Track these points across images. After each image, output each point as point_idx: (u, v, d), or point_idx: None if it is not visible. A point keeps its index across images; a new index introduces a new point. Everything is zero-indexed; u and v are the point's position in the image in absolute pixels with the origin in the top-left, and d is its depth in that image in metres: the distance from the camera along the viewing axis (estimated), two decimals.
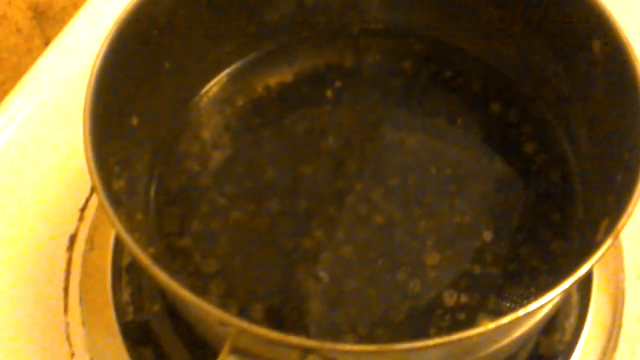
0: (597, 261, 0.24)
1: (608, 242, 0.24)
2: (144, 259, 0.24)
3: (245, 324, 0.23)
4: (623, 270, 0.36)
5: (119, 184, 0.30)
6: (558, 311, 0.35)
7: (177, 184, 0.36)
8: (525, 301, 0.30)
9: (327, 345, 0.23)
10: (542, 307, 0.23)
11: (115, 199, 0.27)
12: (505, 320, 0.22)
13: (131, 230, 0.26)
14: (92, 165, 0.26)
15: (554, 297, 0.23)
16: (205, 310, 0.23)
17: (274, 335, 0.23)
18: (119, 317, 0.36)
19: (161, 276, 0.24)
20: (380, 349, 0.22)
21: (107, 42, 0.30)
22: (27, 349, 0.36)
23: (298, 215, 0.35)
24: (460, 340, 0.22)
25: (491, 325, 0.22)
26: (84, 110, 0.27)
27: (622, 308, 0.35)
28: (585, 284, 0.36)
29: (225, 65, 0.39)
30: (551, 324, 0.35)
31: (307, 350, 0.23)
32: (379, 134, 0.38)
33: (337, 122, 0.38)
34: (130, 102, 0.33)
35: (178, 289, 0.24)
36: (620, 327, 0.35)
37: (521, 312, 0.23)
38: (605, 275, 0.36)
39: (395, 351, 0.22)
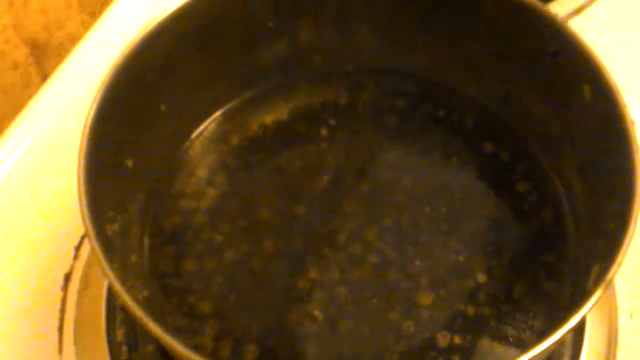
0: (589, 311, 0.24)
1: (598, 292, 0.24)
2: (137, 310, 0.24)
3: None
4: (616, 309, 0.36)
5: (113, 229, 0.30)
6: (551, 353, 0.35)
7: (172, 223, 0.37)
8: (518, 344, 0.30)
9: None
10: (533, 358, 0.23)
11: (109, 244, 0.27)
12: None
13: (124, 277, 0.26)
14: (86, 213, 0.26)
15: (545, 349, 0.23)
16: None
17: None
18: (113, 357, 0.35)
19: (154, 329, 0.24)
20: None
21: (102, 87, 0.30)
22: None
23: (292, 254, 0.36)
24: None
25: None
26: (79, 158, 0.28)
27: (615, 348, 0.35)
28: (578, 324, 0.36)
29: (220, 104, 0.39)
30: None
31: None
32: (373, 172, 0.38)
33: (332, 160, 0.39)
34: (125, 145, 0.33)
35: (170, 342, 0.24)
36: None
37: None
38: (598, 315, 0.36)
39: None
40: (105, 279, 0.37)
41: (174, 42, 0.34)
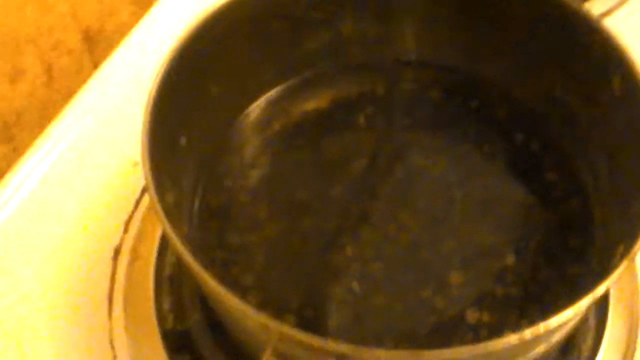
0: (613, 282, 0.26)
1: (623, 264, 0.26)
2: (195, 263, 0.26)
3: (286, 328, 0.25)
4: (639, 295, 0.38)
5: (169, 199, 0.33)
6: (576, 333, 0.37)
7: (217, 200, 0.39)
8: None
9: (364, 350, 0.25)
10: (561, 324, 0.25)
11: (167, 210, 0.29)
12: (527, 333, 0.24)
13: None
14: (150, 177, 0.28)
15: (573, 315, 0.25)
16: (250, 314, 0.26)
17: (314, 340, 0.25)
18: (161, 324, 0.38)
19: (209, 281, 0.26)
20: (414, 355, 0.24)
21: (162, 70, 0.33)
22: (72, 352, 0.38)
23: (329, 232, 0.38)
24: (485, 349, 0.24)
25: (514, 337, 0.24)
26: (142, 132, 0.30)
27: (637, 331, 0.37)
28: (602, 308, 0.38)
29: (265, 90, 0.41)
30: (569, 345, 0.37)
31: (343, 356, 0.25)
32: (407, 158, 0.40)
33: (368, 147, 0.41)
34: (180, 124, 0.35)
35: (225, 293, 0.26)
36: (635, 349, 0.36)
37: (542, 326, 0.25)
38: (621, 300, 0.38)
39: (425, 358, 0.24)
40: (156, 242, 0.40)
41: (226, 30, 0.36)
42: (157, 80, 0.32)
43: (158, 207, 0.28)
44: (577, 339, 0.37)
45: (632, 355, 0.37)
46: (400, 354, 0.25)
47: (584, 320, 0.37)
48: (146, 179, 0.29)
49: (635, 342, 0.37)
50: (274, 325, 0.25)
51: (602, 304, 0.38)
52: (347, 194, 0.39)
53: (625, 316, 0.38)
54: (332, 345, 0.25)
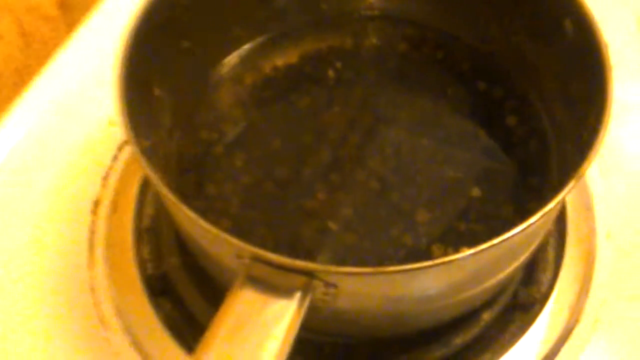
0: (565, 195, 0.28)
1: (573, 181, 0.28)
2: (171, 195, 0.28)
3: (258, 250, 0.27)
4: (594, 231, 0.40)
5: (146, 146, 0.34)
6: (535, 264, 0.39)
7: (194, 152, 0.40)
8: None
9: (332, 268, 0.26)
10: (516, 235, 0.27)
11: (145, 154, 0.31)
12: (484, 246, 0.26)
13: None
14: (124, 118, 0.30)
15: (530, 225, 0.27)
16: (223, 238, 0.27)
17: (284, 260, 0.26)
18: (141, 271, 0.39)
19: (184, 209, 0.28)
20: (377, 270, 0.26)
21: (134, 21, 0.34)
22: (55, 302, 0.40)
23: (302, 180, 0.39)
24: (451, 262, 0.26)
25: (469, 252, 0.26)
26: (114, 76, 0.31)
27: (592, 264, 0.39)
28: (560, 243, 0.40)
29: (237, 45, 0.43)
30: (528, 276, 0.39)
31: (312, 275, 0.27)
32: (375, 108, 0.42)
33: (337, 99, 0.42)
34: (152, 75, 0.37)
35: (198, 220, 0.27)
36: (590, 279, 0.39)
37: (496, 240, 0.27)
38: (578, 235, 0.40)
39: (388, 272, 0.26)
40: (134, 195, 0.41)
41: None
42: (129, 29, 0.34)
43: (136, 149, 0.29)
44: (537, 272, 0.39)
45: (587, 290, 0.39)
46: (365, 270, 0.26)
47: (542, 252, 0.39)
48: (121, 117, 0.30)
49: (590, 278, 0.39)
50: (246, 247, 0.27)
51: (559, 239, 0.40)
52: (318, 143, 0.41)
53: (581, 253, 0.40)
54: (301, 263, 0.26)
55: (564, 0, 0.35)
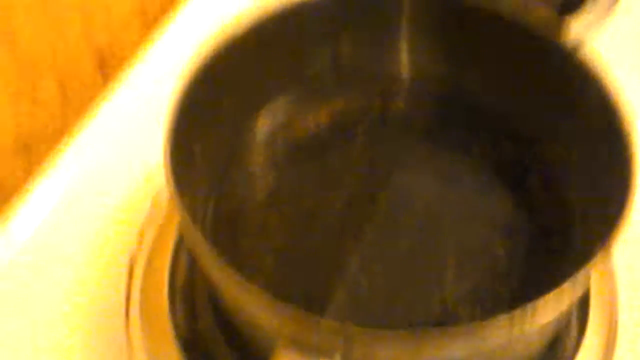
0: (591, 270, 0.29)
1: (599, 256, 0.29)
2: (212, 254, 0.29)
3: (304, 313, 0.28)
4: (617, 301, 0.41)
5: (188, 203, 0.35)
6: (558, 336, 0.40)
7: (229, 208, 0.42)
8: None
9: (373, 332, 0.28)
10: (546, 308, 0.28)
11: (189, 209, 0.32)
12: (517, 313, 0.27)
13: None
14: (171, 177, 0.31)
15: (554, 299, 0.28)
16: (262, 298, 0.28)
17: (329, 323, 0.28)
18: (175, 328, 0.40)
19: (235, 276, 0.29)
20: (414, 335, 0.27)
21: (183, 84, 0.36)
22: (92, 355, 0.40)
23: (333, 238, 0.41)
24: (473, 332, 0.27)
25: (504, 318, 0.27)
26: (164, 144, 0.33)
27: (615, 336, 0.40)
28: (583, 311, 0.41)
29: (270, 105, 0.44)
30: (552, 347, 0.40)
31: (352, 338, 0.28)
32: (403, 167, 0.44)
33: (366, 157, 0.44)
34: (194, 133, 0.38)
35: (240, 281, 0.29)
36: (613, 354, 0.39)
37: (529, 307, 0.28)
38: (600, 302, 0.41)
39: (427, 336, 0.27)
40: (169, 253, 0.43)
41: (238, 51, 0.40)
42: (178, 93, 0.36)
43: (182, 209, 0.31)
44: (559, 342, 0.40)
45: (612, 351, 0.40)
46: (403, 334, 0.27)
47: (566, 321, 0.40)
48: (168, 181, 0.32)
49: (613, 346, 0.40)
50: (286, 308, 0.28)
51: (583, 308, 0.41)
52: (347, 201, 0.42)
53: (604, 321, 0.41)
54: (336, 326, 0.28)
55: (589, 73, 0.37)
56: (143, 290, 0.42)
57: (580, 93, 0.38)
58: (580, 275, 0.29)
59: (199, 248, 0.32)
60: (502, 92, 0.43)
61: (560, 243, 0.40)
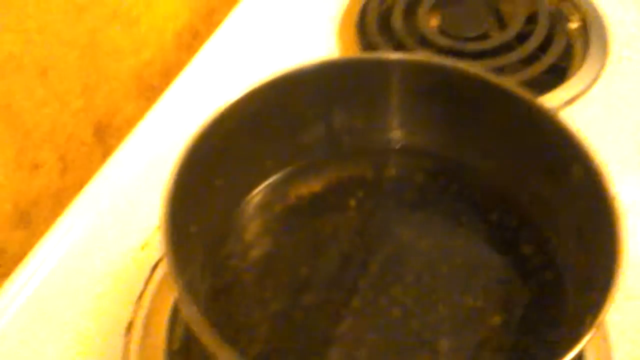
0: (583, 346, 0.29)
1: (592, 331, 0.30)
2: (212, 335, 0.30)
3: None
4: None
5: (184, 279, 0.36)
6: None
7: (223, 280, 0.42)
8: None
9: None
10: None
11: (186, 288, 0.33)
12: None
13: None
14: (171, 259, 0.32)
15: None
16: None
17: None
18: None
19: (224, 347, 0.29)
20: None
21: (178, 165, 0.37)
22: None
23: (327, 307, 0.41)
24: None
25: None
26: (162, 222, 0.34)
27: None
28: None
29: (265, 178, 0.45)
30: None
31: None
32: (394, 236, 0.44)
33: (359, 227, 0.45)
34: (189, 213, 0.39)
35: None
36: None
37: None
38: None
39: None
40: (165, 317, 0.43)
41: (232, 126, 0.41)
42: (172, 176, 0.36)
43: (180, 288, 0.31)
44: None
45: None
46: None
47: None
48: (167, 257, 0.33)
49: None
50: None
51: None
52: (341, 270, 0.43)
53: None
54: None
55: (574, 146, 0.38)
56: (140, 354, 0.43)
57: (566, 161, 0.39)
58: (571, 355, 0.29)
59: (196, 326, 0.33)
60: (490, 163, 0.44)
61: (553, 309, 0.40)
